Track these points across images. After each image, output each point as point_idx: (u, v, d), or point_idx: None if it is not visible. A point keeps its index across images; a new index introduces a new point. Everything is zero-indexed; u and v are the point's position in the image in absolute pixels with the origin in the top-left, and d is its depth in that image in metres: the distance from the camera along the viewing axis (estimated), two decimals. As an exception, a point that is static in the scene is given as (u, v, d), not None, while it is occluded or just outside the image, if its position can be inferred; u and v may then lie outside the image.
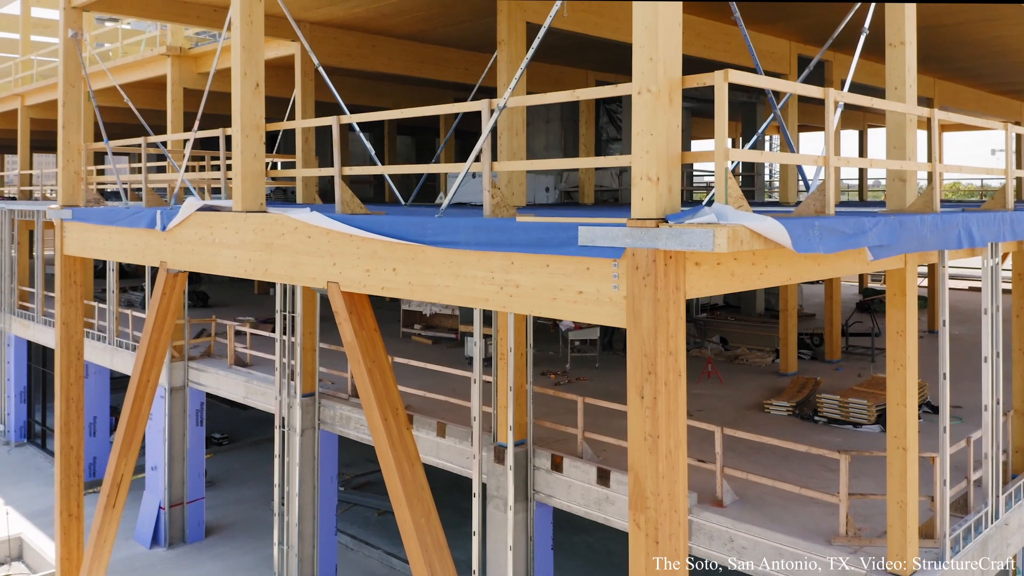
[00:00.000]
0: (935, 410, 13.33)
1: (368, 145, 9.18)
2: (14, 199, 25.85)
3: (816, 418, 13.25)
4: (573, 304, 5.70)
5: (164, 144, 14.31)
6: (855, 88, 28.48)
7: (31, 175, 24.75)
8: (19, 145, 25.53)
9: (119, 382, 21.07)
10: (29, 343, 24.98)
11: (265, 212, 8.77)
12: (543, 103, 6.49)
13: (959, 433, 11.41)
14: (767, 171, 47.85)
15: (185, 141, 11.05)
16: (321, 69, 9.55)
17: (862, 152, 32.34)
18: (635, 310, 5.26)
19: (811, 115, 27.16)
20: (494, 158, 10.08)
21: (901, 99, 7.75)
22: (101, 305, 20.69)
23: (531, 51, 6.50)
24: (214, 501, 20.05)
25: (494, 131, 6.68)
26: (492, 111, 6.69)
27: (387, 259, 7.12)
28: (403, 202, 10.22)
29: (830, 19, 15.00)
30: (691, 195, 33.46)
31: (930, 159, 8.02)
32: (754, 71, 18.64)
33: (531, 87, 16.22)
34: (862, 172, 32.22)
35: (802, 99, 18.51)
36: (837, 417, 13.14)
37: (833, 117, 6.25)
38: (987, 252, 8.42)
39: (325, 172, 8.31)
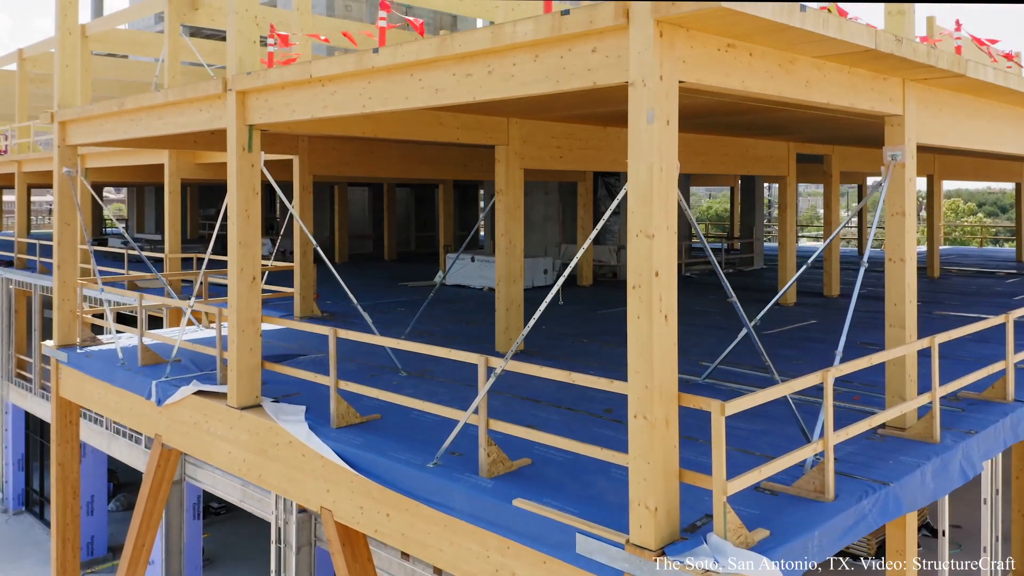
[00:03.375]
0: (934, 533, 13.27)
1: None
2: (11, 264, 25.78)
3: (815, 548, 13.19)
4: (571, 617, 5.63)
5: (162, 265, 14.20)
6: (855, 177, 27.94)
7: (27, 243, 24.64)
8: (17, 212, 25.47)
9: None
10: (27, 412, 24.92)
11: (259, 407, 8.70)
12: (535, 373, 6.42)
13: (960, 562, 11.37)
14: (766, 200, 47.70)
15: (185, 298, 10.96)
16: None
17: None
18: (633, 643, 5.20)
19: (810, 174, 27.04)
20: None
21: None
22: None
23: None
24: (212, 585, 20.00)
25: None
26: (489, 369, 6.62)
27: (381, 502, 7.05)
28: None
29: (827, 131, 14.95)
30: (689, 234, 33.37)
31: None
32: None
33: (529, 174, 16.13)
34: (861, 227, 32.12)
35: (800, 158, 18.47)
36: (836, 547, 13.07)
37: (830, 396, 6.17)
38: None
39: (322, 379, 8.22)
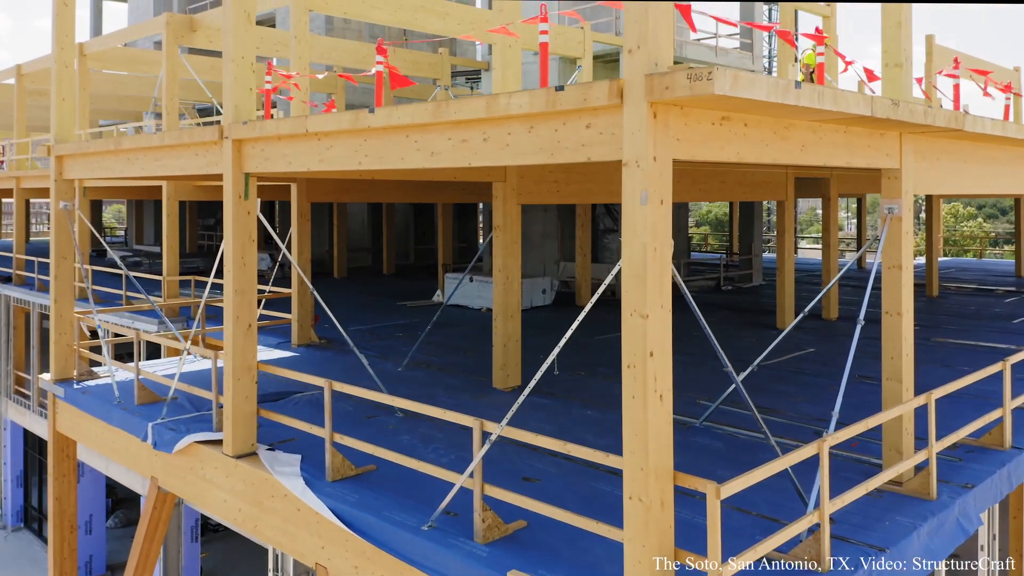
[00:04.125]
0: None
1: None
2: (9, 280, 25.75)
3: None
4: None
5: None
6: (854, 192, 27.58)
7: (25, 260, 24.62)
8: (15, 227, 25.46)
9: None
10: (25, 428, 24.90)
11: (255, 455, 8.68)
12: (534, 440, 6.41)
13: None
14: (765, 206, 47.63)
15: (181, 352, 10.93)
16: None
17: (860, 215, 32.21)
18: None
19: (809, 189, 27.05)
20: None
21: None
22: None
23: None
24: (210, 606, 19.97)
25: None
26: (484, 433, 6.60)
27: (377, 563, 7.03)
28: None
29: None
30: (688, 248, 33.39)
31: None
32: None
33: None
34: (860, 235, 32.10)
35: (799, 179, 18.46)
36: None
37: (826, 465, 6.15)
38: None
39: (317, 430, 8.20)
